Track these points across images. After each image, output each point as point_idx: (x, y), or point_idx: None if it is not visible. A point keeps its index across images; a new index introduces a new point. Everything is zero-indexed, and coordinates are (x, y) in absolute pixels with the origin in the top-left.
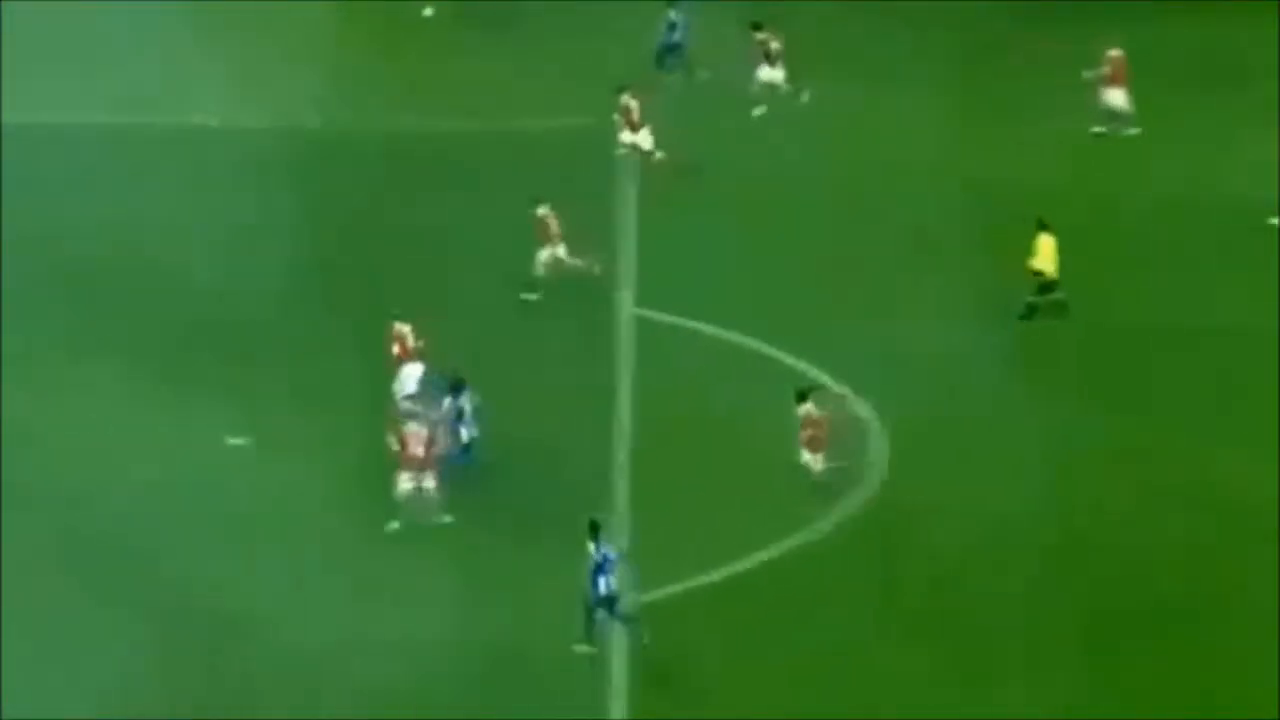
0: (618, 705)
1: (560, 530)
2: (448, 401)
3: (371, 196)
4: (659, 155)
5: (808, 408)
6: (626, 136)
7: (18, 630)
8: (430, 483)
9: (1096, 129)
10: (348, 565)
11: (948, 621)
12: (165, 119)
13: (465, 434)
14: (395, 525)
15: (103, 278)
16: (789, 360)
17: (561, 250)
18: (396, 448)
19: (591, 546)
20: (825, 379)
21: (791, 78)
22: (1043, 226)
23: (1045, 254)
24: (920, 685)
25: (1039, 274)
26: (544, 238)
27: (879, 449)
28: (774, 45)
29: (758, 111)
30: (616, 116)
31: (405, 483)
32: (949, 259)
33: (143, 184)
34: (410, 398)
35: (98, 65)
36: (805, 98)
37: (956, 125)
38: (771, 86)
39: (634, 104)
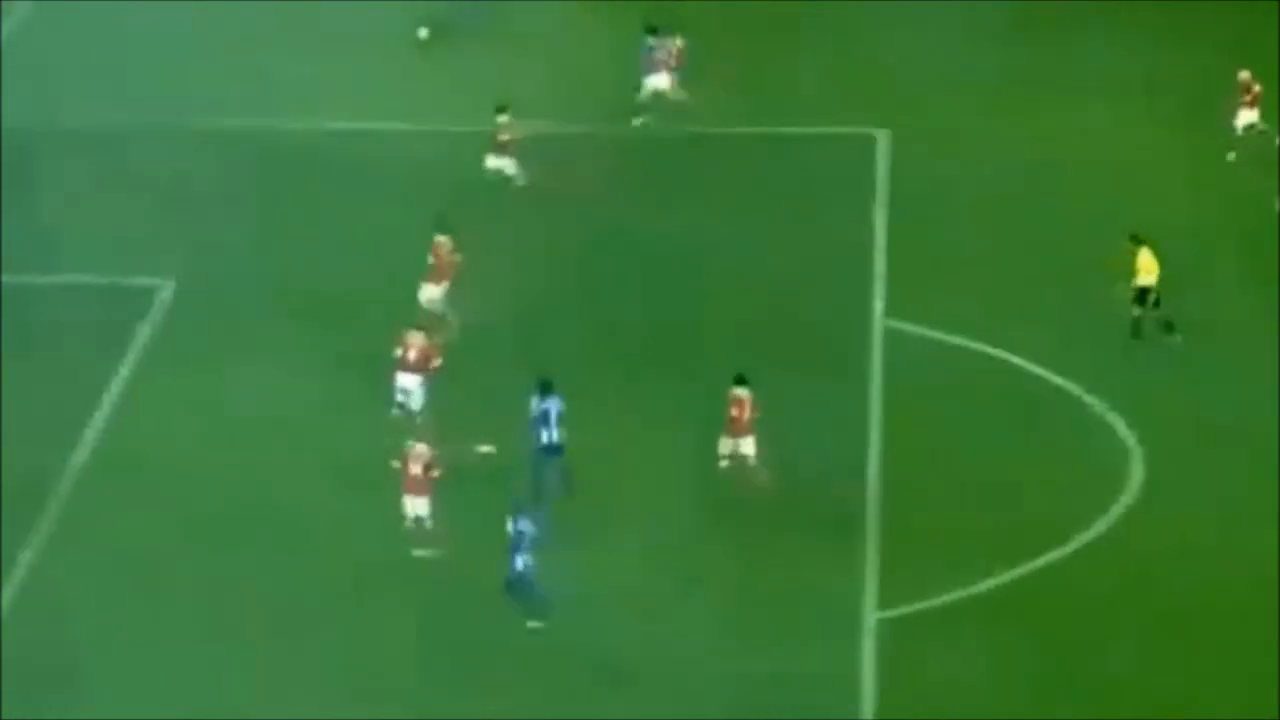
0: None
1: (811, 542)
2: (533, 403)
3: (623, 202)
4: None
5: (739, 391)
6: None
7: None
8: (423, 510)
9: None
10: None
11: (1180, 658)
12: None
13: (546, 436)
14: (424, 553)
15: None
16: (1040, 372)
17: None
18: (397, 466)
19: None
20: (1079, 393)
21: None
22: (1137, 241)
23: (1147, 268)
24: (1156, 709)
25: (1144, 289)
26: None
27: (1135, 471)
28: (672, 49)
29: (638, 122)
30: None
31: (407, 509)
32: (1213, 270)
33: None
34: (409, 410)
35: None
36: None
37: (1162, 129)
38: (657, 94)
39: None
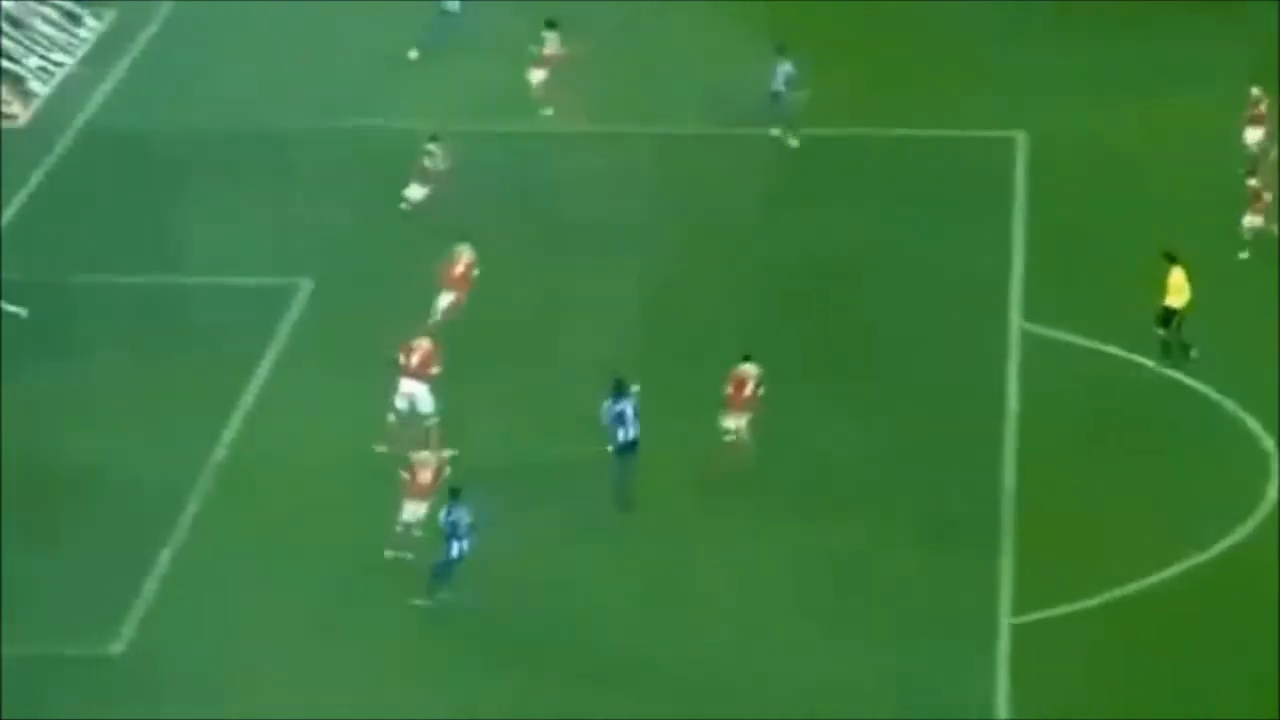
0: None
1: (946, 546)
2: (607, 404)
3: (757, 205)
4: None
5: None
6: None
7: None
8: (421, 515)
9: None
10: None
11: None
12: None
13: (623, 435)
14: (390, 554)
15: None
16: (1178, 377)
17: None
18: (407, 476)
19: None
20: (1218, 398)
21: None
22: (1171, 259)
23: (1176, 288)
24: None
25: (1170, 310)
26: None
27: (1275, 477)
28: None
29: (547, 112)
30: None
31: (406, 513)
32: None
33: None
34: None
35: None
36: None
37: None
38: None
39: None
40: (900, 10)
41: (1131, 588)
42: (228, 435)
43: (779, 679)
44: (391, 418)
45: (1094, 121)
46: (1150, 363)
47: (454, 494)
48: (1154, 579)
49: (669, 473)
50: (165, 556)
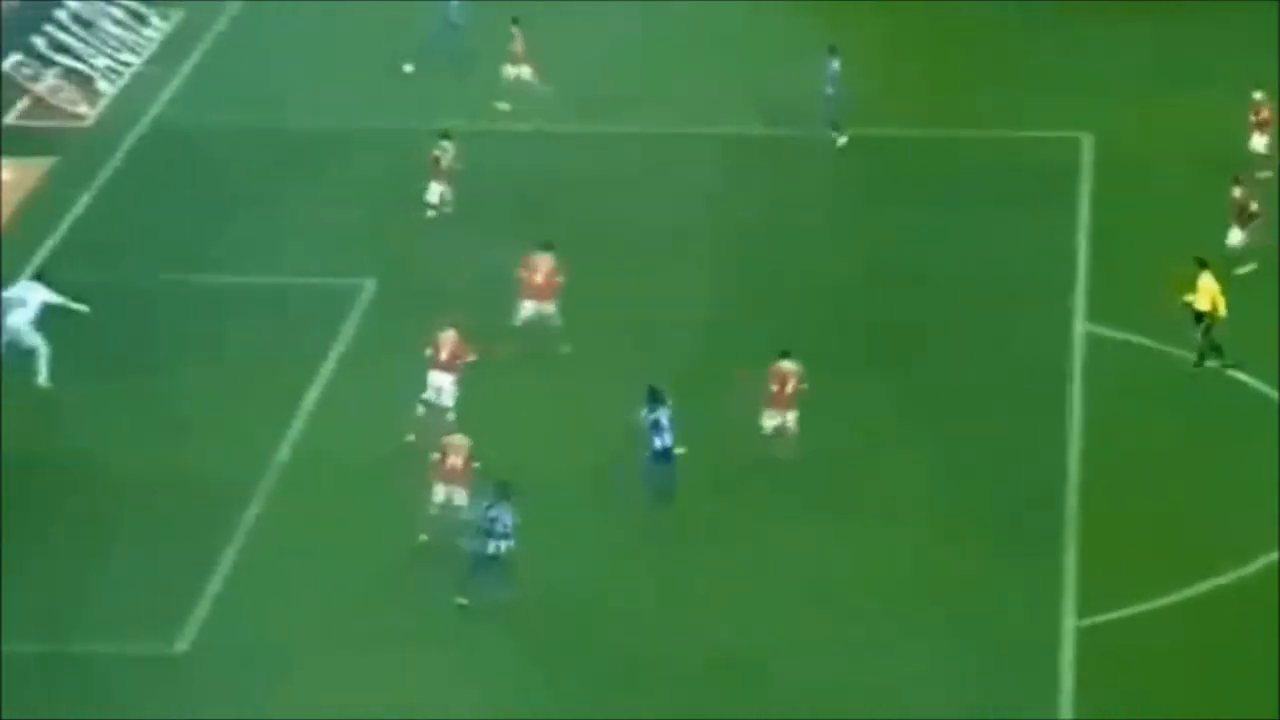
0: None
1: (1011, 548)
2: (643, 412)
3: (826, 206)
4: None
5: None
6: None
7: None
8: (460, 499)
9: None
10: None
11: None
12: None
13: (659, 442)
14: (424, 538)
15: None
16: (1243, 378)
17: None
18: (436, 457)
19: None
20: None
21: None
22: (1202, 265)
23: (1204, 293)
24: None
25: (1202, 314)
26: None
27: None
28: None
29: (503, 106)
30: None
31: (438, 495)
32: None
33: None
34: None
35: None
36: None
37: None
38: (520, 82)
39: None
40: (964, 11)
41: (1198, 589)
42: (291, 434)
43: (838, 680)
44: (420, 409)
45: (1160, 121)
46: (1214, 363)
47: (500, 491)
48: (1220, 580)
49: (725, 472)
50: (229, 555)
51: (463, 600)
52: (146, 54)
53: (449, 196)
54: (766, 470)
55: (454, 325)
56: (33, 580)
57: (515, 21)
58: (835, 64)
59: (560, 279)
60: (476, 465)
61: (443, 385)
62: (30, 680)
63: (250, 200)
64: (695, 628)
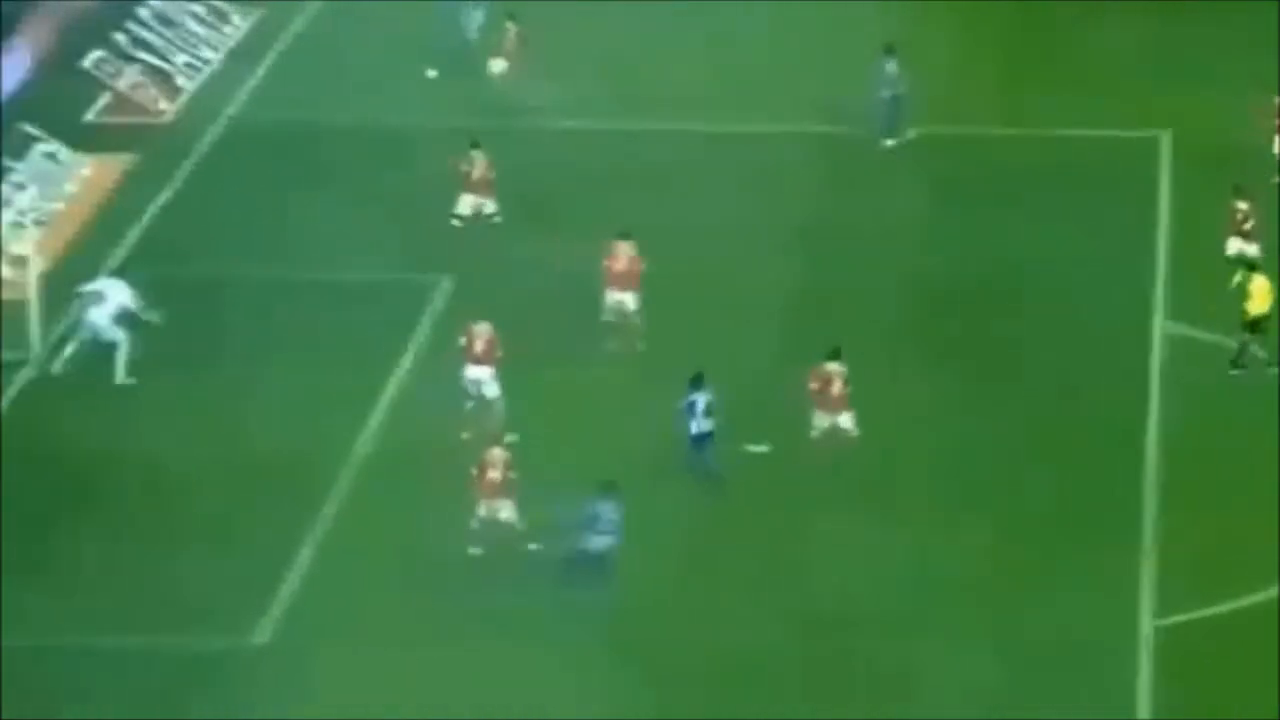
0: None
1: (1088, 547)
2: (687, 397)
3: (898, 204)
4: None
5: (831, 366)
6: None
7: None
8: (508, 513)
9: None
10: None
11: None
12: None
13: (695, 427)
14: (477, 551)
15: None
16: None
17: None
18: (475, 473)
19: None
20: None
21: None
22: (1251, 267)
23: (1259, 297)
24: None
25: (1255, 319)
26: None
27: None
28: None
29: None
30: None
31: (481, 509)
32: None
33: (707, 184)
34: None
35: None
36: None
37: None
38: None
39: None
40: (1035, 6)
41: (1271, 592)
42: (369, 429)
43: (912, 679)
44: (469, 404)
45: (1239, 120)
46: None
47: (604, 487)
48: None
49: (799, 470)
50: (308, 548)
51: (475, 550)
52: (227, 51)
53: (490, 208)
54: (840, 469)
55: (487, 319)
56: (113, 574)
57: (511, 17)
58: (891, 64)
59: (642, 266)
60: (513, 476)
61: (482, 378)
62: (112, 674)
63: (328, 197)
64: (759, 626)
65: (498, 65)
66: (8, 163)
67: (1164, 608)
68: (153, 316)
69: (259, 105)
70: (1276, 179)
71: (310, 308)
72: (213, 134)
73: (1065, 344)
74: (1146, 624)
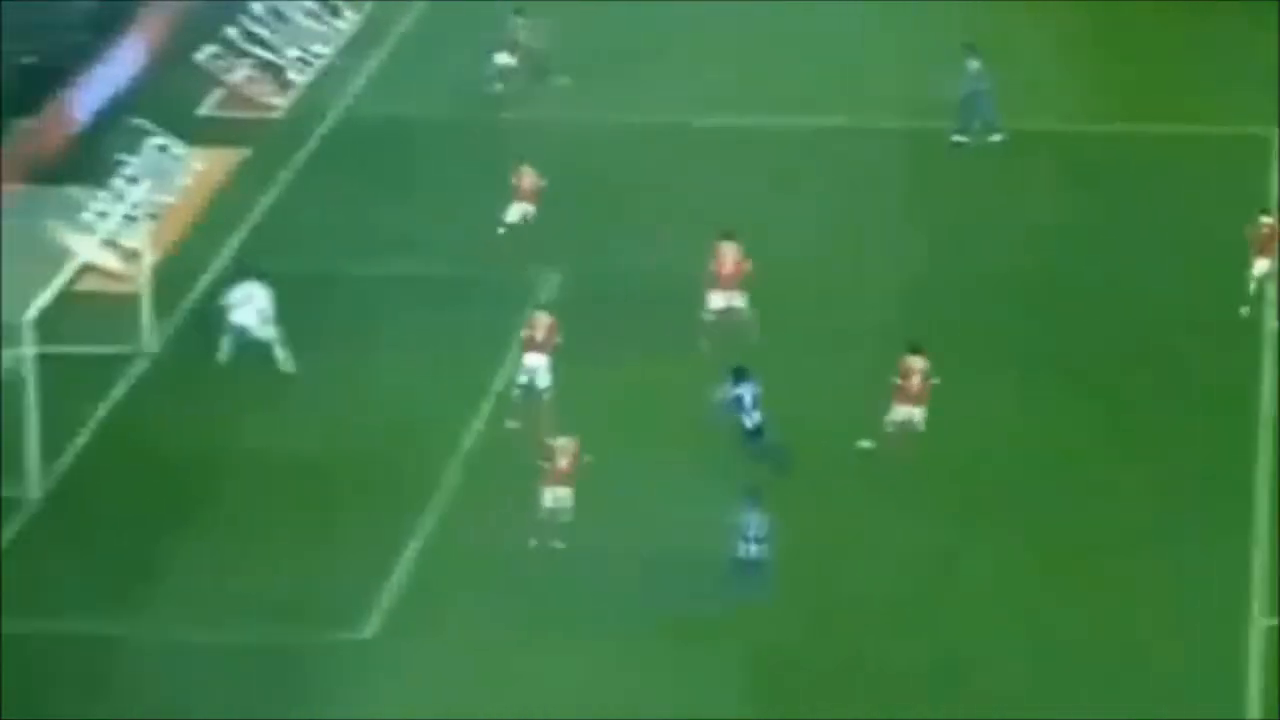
0: None
1: (1197, 545)
2: (726, 387)
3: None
4: None
5: (913, 360)
6: None
7: None
8: (567, 502)
9: None
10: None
11: None
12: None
13: (749, 421)
14: (534, 543)
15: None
16: None
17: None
18: (545, 463)
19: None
20: None
21: None
22: None
23: None
24: None
25: None
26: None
27: None
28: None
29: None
30: None
31: (546, 499)
32: None
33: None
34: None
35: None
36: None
37: None
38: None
39: None
40: (1150, 6)
41: None
42: (477, 423)
43: (1026, 681)
44: (516, 393)
45: None
46: None
47: (751, 495)
48: None
49: (902, 469)
50: (415, 542)
51: (533, 541)
52: (338, 45)
53: (531, 212)
54: (936, 469)
55: (547, 308)
56: (225, 568)
57: (519, 13)
58: (973, 62)
59: (748, 266)
60: (588, 459)
61: (538, 367)
62: (220, 668)
63: (438, 192)
64: (844, 631)
65: (502, 59)
66: (121, 156)
67: (1277, 606)
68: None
69: (370, 100)
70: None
71: (420, 302)
72: (324, 128)
73: (1176, 340)
74: (1259, 622)
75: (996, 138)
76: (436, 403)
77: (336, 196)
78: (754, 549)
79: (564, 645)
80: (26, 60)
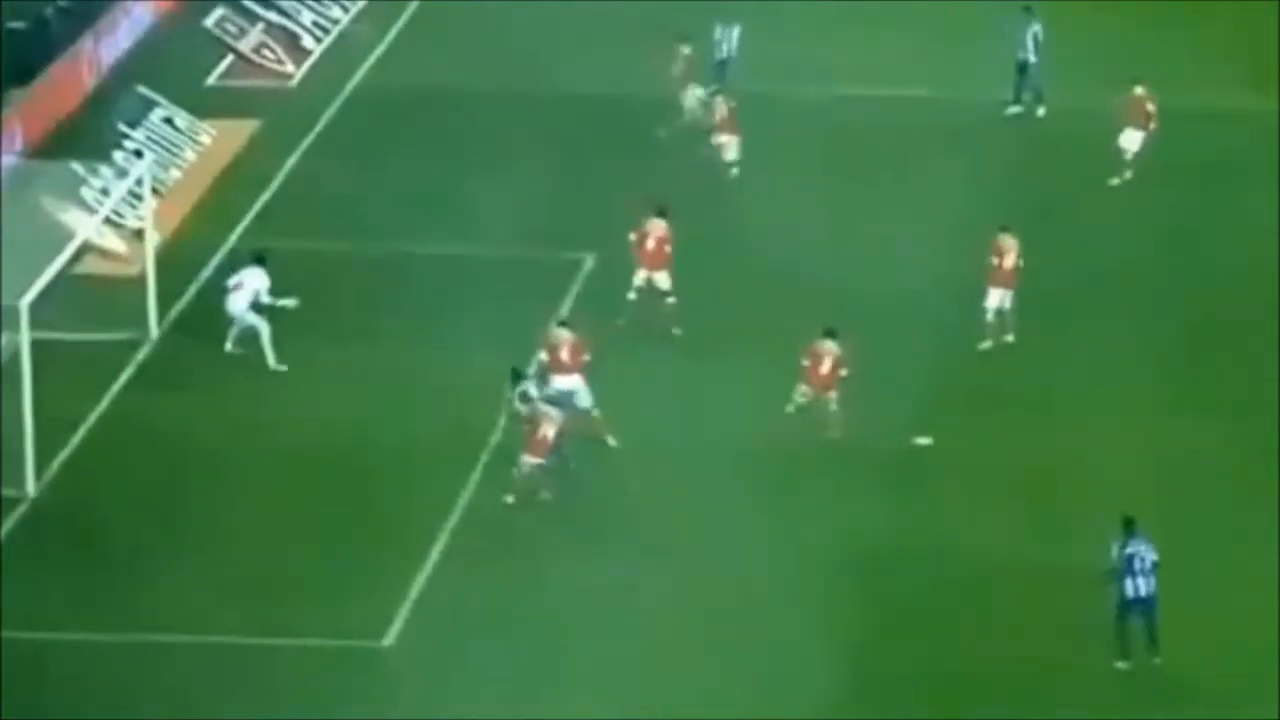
0: None
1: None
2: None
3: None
4: None
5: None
6: None
7: None
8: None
9: None
10: None
11: None
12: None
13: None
14: (510, 499)
15: None
16: None
17: None
18: (528, 428)
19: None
20: None
21: None
22: None
23: None
24: None
25: None
26: None
27: None
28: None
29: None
30: None
31: (527, 465)
32: None
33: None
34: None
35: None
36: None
37: None
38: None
39: None
40: None
41: None
42: (504, 416)
43: (1064, 664)
44: (520, 408)
45: None
46: None
47: (1127, 525)
48: None
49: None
50: (440, 542)
51: (509, 499)
52: (354, 10)
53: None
54: (1009, 462)
55: (565, 323)
56: (246, 567)
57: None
58: (1036, 27)
59: (669, 248)
60: (597, 412)
61: (575, 388)
62: (237, 672)
63: (463, 168)
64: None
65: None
66: (124, 129)
67: None
68: (289, 303)
69: (389, 69)
70: None
71: (448, 283)
72: (340, 99)
73: (1225, 337)
74: None
75: (1041, 111)
76: (468, 388)
77: (354, 171)
78: (1142, 585)
79: (589, 650)
80: (19, 25)
